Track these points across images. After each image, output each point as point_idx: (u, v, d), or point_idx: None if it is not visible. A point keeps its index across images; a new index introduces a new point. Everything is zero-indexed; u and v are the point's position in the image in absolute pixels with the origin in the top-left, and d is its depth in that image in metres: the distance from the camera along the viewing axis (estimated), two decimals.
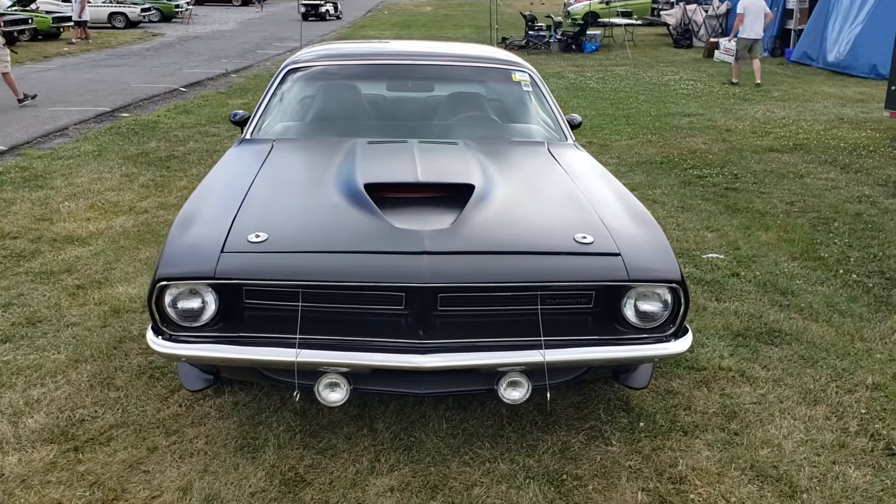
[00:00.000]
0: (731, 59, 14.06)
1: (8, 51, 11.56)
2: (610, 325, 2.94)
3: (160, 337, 2.84)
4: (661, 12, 24.79)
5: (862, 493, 2.90)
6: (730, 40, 14.12)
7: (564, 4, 33.62)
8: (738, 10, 13.96)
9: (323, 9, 35.69)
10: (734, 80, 14.19)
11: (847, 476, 2.98)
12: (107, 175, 7.54)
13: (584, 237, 2.96)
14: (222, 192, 3.48)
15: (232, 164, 3.96)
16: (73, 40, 22.13)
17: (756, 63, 13.99)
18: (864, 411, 3.42)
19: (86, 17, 22.47)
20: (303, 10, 34.41)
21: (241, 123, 4.73)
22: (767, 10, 13.92)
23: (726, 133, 9.76)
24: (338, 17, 35.32)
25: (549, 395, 2.81)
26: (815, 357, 3.90)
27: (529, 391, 2.82)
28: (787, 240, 5.67)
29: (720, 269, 5.06)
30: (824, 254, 5.37)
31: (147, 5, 30.84)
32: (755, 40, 13.83)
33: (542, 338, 2.77)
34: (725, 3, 21.41)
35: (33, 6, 23.35)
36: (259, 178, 3.53)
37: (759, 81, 13.88)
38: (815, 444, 3.18)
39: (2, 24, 20.43)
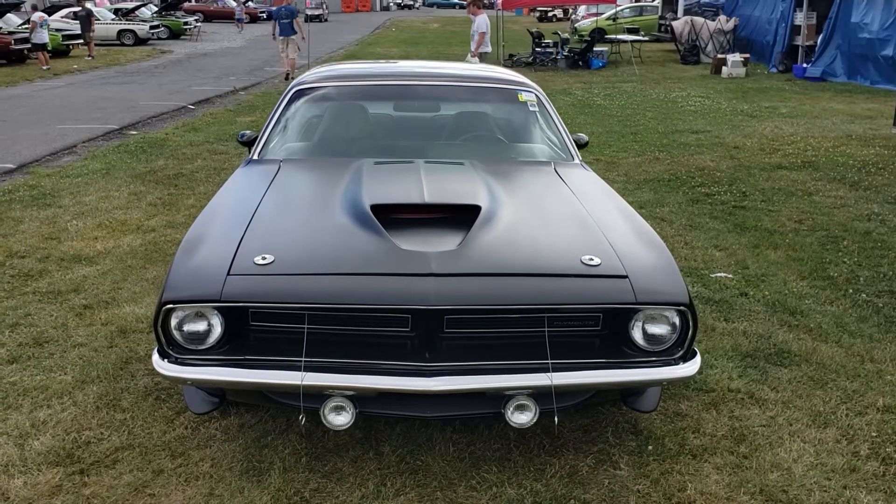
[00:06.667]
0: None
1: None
2: (618, 348, 2.91)
3: (166, 360, 2.83)
4: (672, 22, 24.82)
5: None
6: (473, 56, 14.40)
7: (571, 21, 33.79)
8: (482, 28, 14.27)
9: (551, 13, 40.50)
10: None
11: (858, 501, 2.94)
12: (115, 193, 7.57)
13: (591, 259, 2.94)
14: (229, 213, 3.48)
15: (239, 185, 3.97)
16: (44, 67, 19.96)
17: None
18: (874, 434, 3.38)
19: (42, 39, 20.22)
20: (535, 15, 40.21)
21: (249, 144, 4.75)
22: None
23: (734, 150, 9.75)
24: (569, 20, 37.47)
25: (556, 418, 2.78)
26: (825, 378, 3.86)
27: (537, 415, 2.80)
28: (796, 259, 5.64)
29: (729, 289, 5.03)
30: (833, 273, 5.34)
31: (156, 22, 31.17)
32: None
33: (550, 361, 2.76)
34: (733, 18, 21.48)
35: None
36: (266, 200, 3.53)
37: None
38: (825, 468, 3.14)
39: (12, 41, 20.81)
